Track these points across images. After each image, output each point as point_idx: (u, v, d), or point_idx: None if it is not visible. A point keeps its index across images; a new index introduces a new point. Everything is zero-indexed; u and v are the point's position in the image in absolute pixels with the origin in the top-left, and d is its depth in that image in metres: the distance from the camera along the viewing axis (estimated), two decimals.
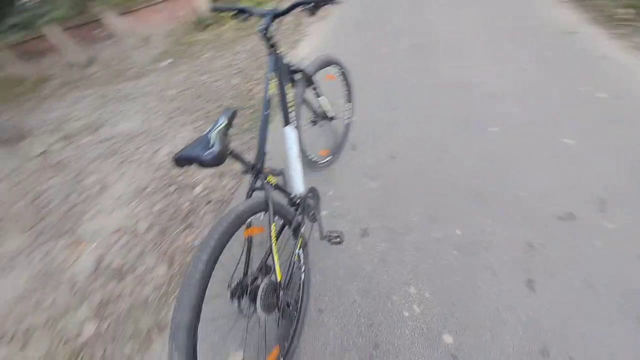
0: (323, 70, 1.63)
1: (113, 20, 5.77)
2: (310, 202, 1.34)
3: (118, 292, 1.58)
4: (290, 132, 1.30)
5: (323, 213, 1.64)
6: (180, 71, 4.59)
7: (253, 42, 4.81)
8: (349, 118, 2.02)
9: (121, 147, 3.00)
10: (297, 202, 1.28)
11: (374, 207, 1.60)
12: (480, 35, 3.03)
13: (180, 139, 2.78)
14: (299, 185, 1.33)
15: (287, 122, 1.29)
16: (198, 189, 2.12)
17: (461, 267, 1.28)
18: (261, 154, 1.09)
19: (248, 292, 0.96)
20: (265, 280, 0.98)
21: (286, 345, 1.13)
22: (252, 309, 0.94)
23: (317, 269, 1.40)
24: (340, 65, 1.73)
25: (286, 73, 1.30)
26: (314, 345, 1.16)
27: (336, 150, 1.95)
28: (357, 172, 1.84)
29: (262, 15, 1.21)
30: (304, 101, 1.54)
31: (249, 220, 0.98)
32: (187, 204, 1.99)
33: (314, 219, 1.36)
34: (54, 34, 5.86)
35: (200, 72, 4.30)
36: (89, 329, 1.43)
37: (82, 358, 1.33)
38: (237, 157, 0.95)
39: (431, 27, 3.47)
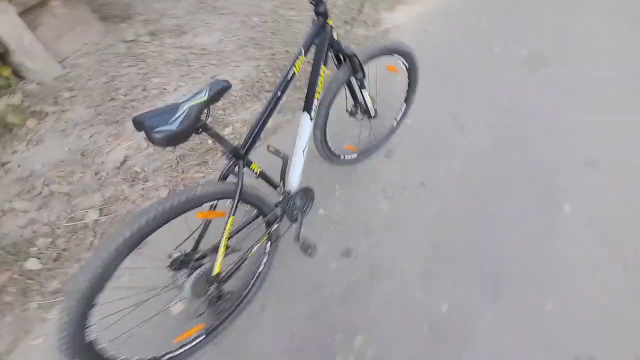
0: (384, 57, 1.31)
1: None
2: (297, 201, 1.18)
3: (125, 195, 1.71)
4: (305, 121, 1.10)
5: (320, 211, 1.49)
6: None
7: None
8: (398, 120, 1.69)
9: (192, 59, 3.02)
10: (282, 196, 1.14)
11: (372, 229, 1.39)
12: None
13: (239, 72, 2.70)
14: (293, 180, 1.17)
15: (306, 107, 1.09)
16: (228, 130, 2.08)
17: None
18: (251, 139, 0.93)
19: (187, 267, 0.91)
20: (205, 266, 0.91)
21: (214, 324, 1.11)
22: (183, 286, 0.90)
23: (283, 265, 1.31)
24: (408, 59, 1.37)
25: (326, 51, 1.05)
26: (243, 338, 1.13)
27: (366, 151, 1.68)
28: (376, 182, 1.59)
29: None
30: (344, 88, 1.28)
31: (210, 203, 0.88)
32: (211, 142, 1.97)
33: (294, 219, 1.22)
34: None
35: (290, 6, 3.98)
36: (92, 216, 1.59)
37: (76, 236, 1.51)
38: (216, 136, 0.81)
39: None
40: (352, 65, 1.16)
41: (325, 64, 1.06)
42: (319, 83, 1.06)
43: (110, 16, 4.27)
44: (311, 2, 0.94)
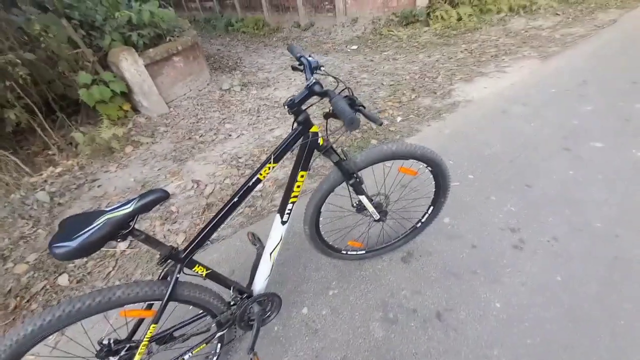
0: (396, 161, 1.08)
1: None
2: (256, 307, 1.01)
3: (153, 232, 1.85)
4: (276, 223, 0.96)
5: (304, 310, 1.26)
6: (354, 60, 4.50)
7: (440, 53, 4.05)
8: (423, 222, 1.37)
9: (262, 110, 3.31)
10: (238, 299, 0.99)
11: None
12: None
13: (282, 131, 2.78)
14: (257, 282, 1.02)
15: (280, 210, 0.95)
16: (258, 187, 2.11)
17: None
18: (196, 241, 0.83)
19: (117, 357, 0.84)
20: None
21: None
22: None
23: None
24: (431, 164, 1.10)
25: (306, 158, 0.91)
26: None
27: (376, 250, 1.40)
28: (380, 292, 1.27)
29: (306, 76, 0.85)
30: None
31: (134, 306, 0.80)
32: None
33: (248, 327, 1.04)
34: None
35: (366, 68, 4.07)
36: (121, 247, 1.76)
37: (102, 263, 1.67)
38: (146, 241, 0.75)
39: None
40: (342, 171, 0.99)
41: (305, 169, 0.92)
42: (294, 188, 0.92)
43: (222, 67, 5.20)
44: (290, 113, 0.84)
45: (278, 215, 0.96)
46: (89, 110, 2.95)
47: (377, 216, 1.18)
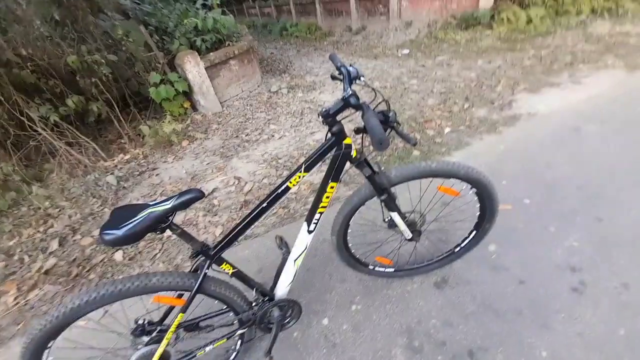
0: (434, 179, 0.99)
1: (393, 0, 5.98)
2: (276, 312, 1.02)
3: (196, 222, 2.00)
4: (303, 231, 0.96)
5: (324, 322, 1.24)
6: (404, 66, 4.34)
7: (503, 59, 3.69)
8: (461, 247, 1.25)
9: (306, 113, 3.37)
10: (260, 301, 1.01)
11: None
12: None
13: (322, 135, 2.78)
14: (280, 287, 1.03)
15: (307, 219, 0.95)
16: (294, 189, 2.14)
17: None
18: (226, 240, 0.87)
19: (148, 337, 0.93)
20: (153, 346, 0.90)
21: None
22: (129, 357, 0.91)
23: None
24: (476, 185, 0.99)
25: (337, 169, 0.88)
26: None
27: (406, 270, 1.31)
28: (406, 317, 1.19)
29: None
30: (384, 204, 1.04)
31: (167, 293, 0.87)
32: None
33: (267, 330, 1.05)
34: (352, 1, 6.87)
35: (416, 74, 3.88)
36: (167, 233, 1.94)
37: (151, 245, 1.86)
38: (182, 235, 0.80)
39: None
40: (375, 186, 0.94)
41: (335, 180, 0.90)
42: (323, 199, 0.90)
43: (273, 70, 5.43)
44: (324, 123, 0.82)
45: (305, 224, 0.95)
46: (156, 106, 3.32)
47: (409, 235, 1.11)
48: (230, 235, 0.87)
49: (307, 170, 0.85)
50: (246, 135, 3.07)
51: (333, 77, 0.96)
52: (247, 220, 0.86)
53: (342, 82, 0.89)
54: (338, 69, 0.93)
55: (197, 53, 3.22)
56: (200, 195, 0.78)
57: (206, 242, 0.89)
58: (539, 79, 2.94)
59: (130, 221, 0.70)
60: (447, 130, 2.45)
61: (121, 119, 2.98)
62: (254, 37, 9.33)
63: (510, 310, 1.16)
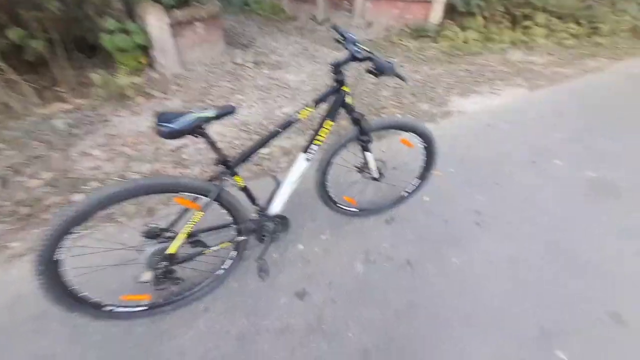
0: (397, 132, 1.39)
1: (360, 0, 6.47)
2: (270, 225, 1.28)
3: (165, 173, 2.05)
4: (300, 160, 1.23)
5: (299, 246, 1.53)
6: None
7: (443, 69, 4.46)
8: (409, 193, 1.69)
9: (273, 89, 3.54)
10: (256, 215, 1.25)
11: (336, 285, 1.35)
12: None
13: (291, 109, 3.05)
14: (275, 205, 1.28)
15: (305, 149, 1.23)
16: (266, 151, 2.35)
17: None
18: (244, 156, 1.10)
19: (157, 239, 1.07)
20: (164, 245, 1.06)
21: (158, 302, 1.22)
22: (143, 252, 1.06)
23: (242, 280, 1.37)
24: (425, 139, 1.42)
25: (335, 110, 1.19)
26: (174, 331, 1.19)
27: (367, 210, 1.70)
28: (365, 242, 1.57)
29: (346, 47, 1.13)
30: (359, 148, 1.39)
31: (188, 194, 1.04)
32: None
33: (261, 239, 1.30)
34: None
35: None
36: None
37: None
38: (210, 144, 1.00)
39: None
40: (360, 129, 1.28)
41: (332, 120, 1.20)
42: (320, 133, 1.20)
43: (236, 43, 5.38)
44: (332, 72, 1.11)
45: (302, 154, 1.22)
46: (105, 56, 3.08)
47: (377, 174, 1.48)
48: (249, 152, 1.09)
49: (315, 105, 1.12)
50: (211, 101, 3.11)
51: (337, 40, 1.24)
52: (263, 140, 1.09)
53: (345, 45, 1.19)
54: (341, 34, 1.22)
55: (162, 7, 3.10)
56: (233, 110, 0.98)
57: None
58: (468, 87, 3.72)
59: (182, 119, 0.87)
60: (398, 116, 2.96)
61: (63, 65, 2.71)
62: None
63: (436, 237, 1.64)
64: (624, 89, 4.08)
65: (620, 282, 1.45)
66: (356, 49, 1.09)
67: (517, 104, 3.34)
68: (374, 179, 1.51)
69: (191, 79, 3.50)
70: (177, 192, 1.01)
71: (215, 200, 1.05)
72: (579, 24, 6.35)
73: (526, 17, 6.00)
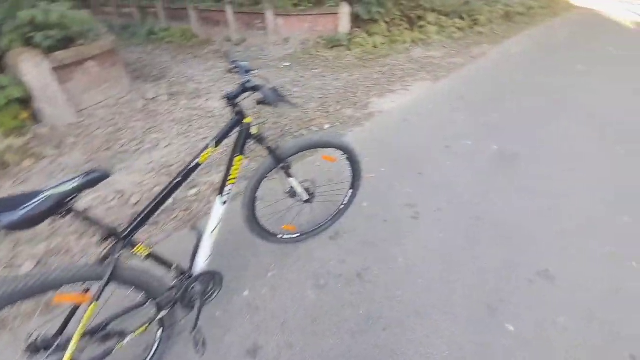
0: (320, 150, 1.36)
1: (270, 17, 6.55)
2: (198, 286, 1.12)
3: (68, 248, 1.70)
4: (217, 204, 1.10)
5: (245, 293, 1.39)
6: (286, 76, 4.86)
7: (360, 73, 4.72)
8: (345, 204, 1.68)
9: (195, 120, 3.29)
10: (178, 279, 1.08)
11: (290, 325, 1.25)
12: None
13: (230, 138, 2.89)
14: (199, 262, 1.13)
15: (220, 191, 1.11)
16: (193, 191, 2.14)
17: None
18: (137, 220, 0.92)
19: (47, 353, 0.83)
20: (55, 357, 0.83)
21: None
22: None
23: (183, 356, 1.17)
24: (345, 151, 1.42)
25: (242, 144, 1.10)
26: None
27: (309, 232, 1.64)
28: (312, 266, 1.49)
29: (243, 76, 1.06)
30: (276, 176, 1.32)
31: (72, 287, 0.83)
32: (171, 200, 2.02)
33: (191, 306, 1.13)
34: (230, 12, 7.05)
35: (297, 83, 4.44)
36: (28, 267, 1.58)
37: None
38: (87, 219, 0.81)
39: None
40: (275, 157, 1.21)
41: (241, 154, 1.11)
42: (232, 171, 1.10)
43: (146, 76, 4.94)
44: (227, 105, 1.03)
45: (219, 196, 1.10)
46: None
47: (306, 197, 1.42)
48: (144, 213, 0.91)
49: (216, 144, 1.01)
50: (121, 147, 2.76)
51: (229, 71, 1.16)
52: (161, 196, 0.93)
53: (239, 74, 1.12)
54: (232, 63, 1.15)
55: (38, 51, 2.66)
56: (105, 175, 0.81)
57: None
58: (384, 87, 3.99)
59: (29, 204, 0.68)
60: (327, 126, 3.00)
61: None
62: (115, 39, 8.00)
63: (379, 240, 1.65)
64: (505, 67, 4.85)
65: (536, 240, 1.64)
66: (247, 78, 1.03)
67: (425, 96, 3.69)
68: (306, 201, 1.46)
69: (92, 126, 3.06)
70: (56, 288, 0.79)
71: (111, 281, 0.85)
72: (462, 18, 7.36)
73: (420, 18, 6.75)
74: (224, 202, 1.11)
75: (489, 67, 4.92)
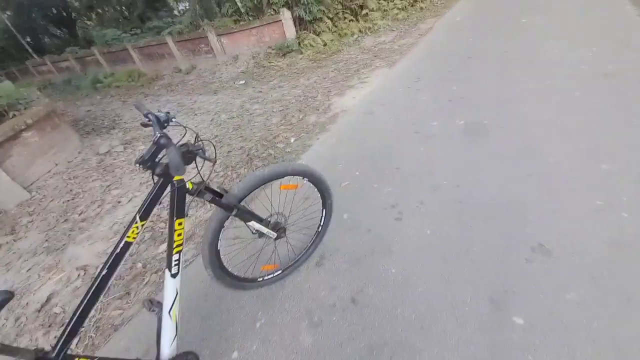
0: (276, 180, 1.22)
1: (213, 39, 6.34)
2: None
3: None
4: (167, 279, 0.95)
5: (234, 355, 1.23)
6: (244, 95, 4.68)
7: (317, 75, 4.60)
8: (322, 225, 1.55)
9: None
10: None
11: None
12: None
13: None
14: (165, 347, 0.97)
15: (167, 264, 0.95)
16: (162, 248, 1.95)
17: None
18: (66, 332, 0.76)
19: None
20: None
21: None
22: None
23: None
24: (304, 174, 1.29)
25: (177, 205, 0.95)
26: None
27: (291, 265, 1.50)
28: (302, 303, 1.35)
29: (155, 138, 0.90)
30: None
31: None
32: (140, 266, 1.83)
33: None
34: (171, 43, 6.78)
35: (256, 100, 4.28)
36: None
37: None
38: (5, 350, 0.65)
39: None
40: (223, 207, 1.07)
41: (181, 216, 0.96)
42: (175, 238, 0.95)
43: (97, 128, 4.64)
44: (145, 169, 0.87)
45: (167, 270, 0.95)
46: None
47: (274, 235, 1.28)
48: (71, 324, 0.76)
49: (143, 218, 0.86)
50: (80, 214, 2.53)
51: (143, 125, 1.00)
52: (87, 299, 0.77)
53: (153, 128, 0.96)
54: (145, 116, 0.99)
55: None
56: (8, 296, 0.66)
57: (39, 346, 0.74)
58: (342, 85, 3.89)
59: None
60: (292, 139, 2.87)
61: None
62: (54, 98, 7.58)
63: (367, 253, 1.53)
64: (454, 36, 4.85)
65: (524, 212, 1.57)
66: (158, 135, 0.87)
67: (384, 84, 3.61)
68: (277, 237, 1.32)
69: (45, 199, 2.80)
70: None
71: None
72: None
73: (361, 7, 6.71)
74: (174, 275, 0.95)
75: (438, 40, 4.92)
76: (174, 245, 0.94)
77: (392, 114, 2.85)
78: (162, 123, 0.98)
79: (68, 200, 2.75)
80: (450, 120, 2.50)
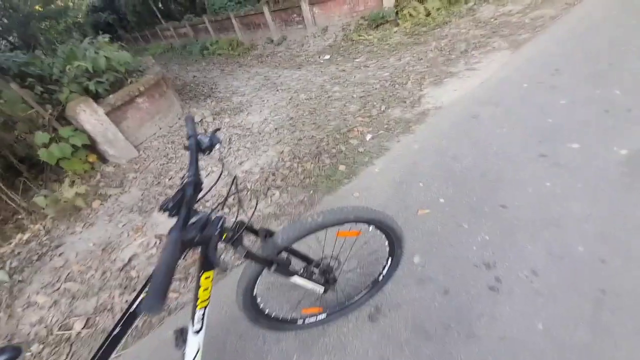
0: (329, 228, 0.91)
1: (306, 8, 6.01)
2: None
3: (112, 305, 1.70)
4: (190, 335, 0.80)
5: None
6: (326, 73, 4.34)
7: (411, 54, 3.88)
8: (384, 275, 1.20)
9: (234, 140, 3.13)
10: None
11: None
12: None
13: (263, 158, 2.63)
14: None
15: (191, 318, 0.80)
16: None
17: None
18: None
19: None
20: None
21: None
22: None
23: None
24: (372, 222, 0.94)
25: (211, 256, 0.74)
26: None
27: (341, 309, 1.23)
28: None
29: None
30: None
31: None
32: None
33: None
34: (267, 12, 6.76)
35: (337, 80, 3.90)
36: (77, 328, 1.62)
37: (57, 349, 1.53)
38: None
39: None
40: (258, 262, 0.83)
41: (208, 269, 0.76)
42: (200, 293, 0.76)
43: (197, 95, 5.07)
44: (171, 216, 0.67)
45: (190, 324, 0.80)
46: (53, 167, 2.83)
47: (321, 289, 1.02)
48: None
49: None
50: (170, 180, 2.77)
51: (186, 148, 0.81)
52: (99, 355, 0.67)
53: (190, 154, 0.76)
54: (190, 138, 0.80)
55: (91, 99, 2.81)
56: (15, 354, 0.59)
57: None
58: (441, 71, 3.13)
59: None
60: (368, 137, 2.46)
61: (8, 193, 2.48)
62: (173, 62, 8.67)
63: (439, 326, 1.14)
64: (617, 8, 3.27)
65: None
66: (191, 176, 0.64)
67: (502, 75, 2.71)
68: (326, 290, 1.05)
69: (148, 158, 3.19)
70: None
71: None
72: None
73: None
74: (198, 331, 0.80)
75: (596, 14, 3.42)
76: (199, 301, 0.77)
77: (509, 121, 2.10)
78: (204, 150, 0.77)
79: (163, 164, 3.05)
80: (604, 145, 1.67)
